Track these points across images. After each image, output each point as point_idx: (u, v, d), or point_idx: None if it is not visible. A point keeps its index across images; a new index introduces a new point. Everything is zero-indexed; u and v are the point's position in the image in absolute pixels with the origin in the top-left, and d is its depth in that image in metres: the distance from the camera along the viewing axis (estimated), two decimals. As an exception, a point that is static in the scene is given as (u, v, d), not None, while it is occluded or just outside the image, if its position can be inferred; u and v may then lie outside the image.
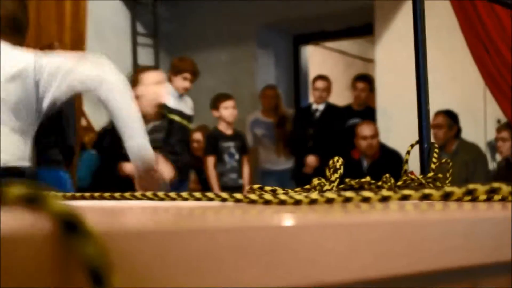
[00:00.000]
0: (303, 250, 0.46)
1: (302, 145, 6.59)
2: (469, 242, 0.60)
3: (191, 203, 0.95)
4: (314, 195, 0.82)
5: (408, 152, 1.66)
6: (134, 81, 4.44)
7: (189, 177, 5.99)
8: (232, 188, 5.73)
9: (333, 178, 1.06)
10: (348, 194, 0.76)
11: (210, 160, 5.86)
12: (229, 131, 5.98)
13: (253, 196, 0.91)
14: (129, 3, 7.81)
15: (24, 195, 0.34)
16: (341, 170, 1.07)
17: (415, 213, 0.72)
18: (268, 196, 0.89)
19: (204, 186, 6.09)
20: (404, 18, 6.31)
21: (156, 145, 4.65)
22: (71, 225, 0.33)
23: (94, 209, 0.69)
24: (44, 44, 4.51)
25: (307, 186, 1.12)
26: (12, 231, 0.32)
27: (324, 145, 6.36)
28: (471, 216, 0.68)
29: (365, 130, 5.89)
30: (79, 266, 0.33)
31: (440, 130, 5.42)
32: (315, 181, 1.09)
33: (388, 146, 6.05)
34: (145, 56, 7.80)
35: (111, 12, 7.48)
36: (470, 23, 4.94)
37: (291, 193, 1.03)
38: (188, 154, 5.73)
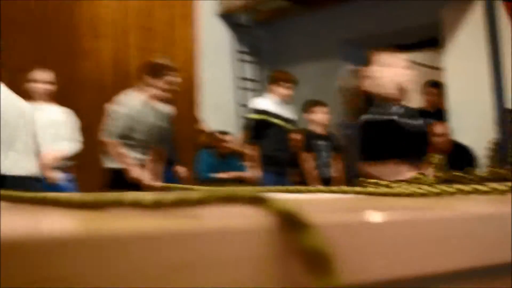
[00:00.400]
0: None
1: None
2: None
3: (330, 195, 0.90)
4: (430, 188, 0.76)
5: (490, 147, 1.80)
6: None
7: (287, 171, 6.05)
8: (323, 180, 5.87)
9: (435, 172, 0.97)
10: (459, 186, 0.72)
11: (307, 156, 6.01)
12: (321, 132, 6.09)
13: (370, 189, 0.89)
14: (233, 27, 8.01)
15: (250, 195, 0.33)
16: (442, 166, 1.03)
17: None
18: (383, 189, 0.87)
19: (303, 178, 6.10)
20: (467, 31, 6.39)
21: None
22: (292, 220, 0.31)
23: (305, 203, 0.59)
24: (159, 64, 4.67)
25: (410, 178, 1.06)
26: (244, 226, 0.32)
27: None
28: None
29: (438, 128, 5.92)
30: (301, 257, 0.32)
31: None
32: (416, 175, 1.04)
33: (459, 142, 5.98)
34: (248, 71, 7.95)
35: (217, 34, 7.73)
36: None
37: (399, 185, 0.97)
38: (289, 152, 5.94)
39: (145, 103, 4.54)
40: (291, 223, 0.32)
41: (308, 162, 6.05)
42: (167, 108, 4.87)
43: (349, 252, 0.36)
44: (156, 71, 4.59)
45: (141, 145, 4.57)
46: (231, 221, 0.33)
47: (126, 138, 4.48)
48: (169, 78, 4.59)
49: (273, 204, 0.33)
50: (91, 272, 0.28)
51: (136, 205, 0.39)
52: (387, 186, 0.98)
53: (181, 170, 5.81)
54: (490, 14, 1.98)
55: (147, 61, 4.78)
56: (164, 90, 4.59)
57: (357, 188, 0.89)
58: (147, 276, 0.30)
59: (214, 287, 0.31)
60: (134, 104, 4.50)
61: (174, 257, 0.30)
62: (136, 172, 4.42)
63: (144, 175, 4.45)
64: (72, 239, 0.29)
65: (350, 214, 0.46)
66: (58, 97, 4.76)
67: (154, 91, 4.56)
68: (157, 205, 0.38)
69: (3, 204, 0.55)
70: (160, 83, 4.55)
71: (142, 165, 4.56)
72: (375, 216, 0.40)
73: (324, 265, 0.31)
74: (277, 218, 0.33)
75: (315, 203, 0.65)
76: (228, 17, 8.13)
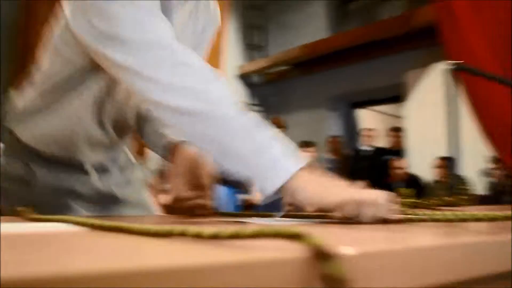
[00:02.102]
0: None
1: (357, 174, 6.50)
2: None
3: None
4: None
5: (439, 181, 1.76)
6: None
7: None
8: None
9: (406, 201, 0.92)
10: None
11: None
12: None
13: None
14: (248, 85, 8.28)
15: (290, 233, 0.32)
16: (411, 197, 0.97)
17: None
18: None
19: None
20: (423, 89, 6.45)
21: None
22: (323, 253, 0.30)
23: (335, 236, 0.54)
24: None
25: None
26: (283, 259, 0.30)
27: (370, 174, 6.14)
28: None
29: (398, 163, 6.01)
30: (329, 283, 0.30)
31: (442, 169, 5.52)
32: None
33: (411, 173, 6.02)
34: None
35: (236, 91, 7.70)
36: (476, 99, 4.65)
37: None
38: None
39: None
40: (321, 255, 0.31)
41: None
42: None
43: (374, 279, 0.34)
44: None
45: None
46: (277, 253, 0.31)
47: None
48: None
49: (309, 240, 0.31)
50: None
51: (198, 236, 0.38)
52: None
53: None
54: (447, 79, 2.01)
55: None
56: None
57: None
58: None
59: None
60: None
61: (227, 284, 0.28)
62: None
63: None
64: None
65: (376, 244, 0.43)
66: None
67: None
68: (214, 237, 0.37)
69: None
70: None
71: None
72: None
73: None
74: (312, 251, 0.31)
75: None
76: (244, 78, 8.37)
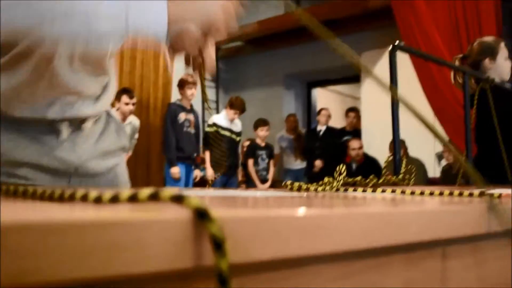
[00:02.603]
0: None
1: (311, 153, 6.64)
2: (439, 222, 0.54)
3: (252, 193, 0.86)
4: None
5: (385, 162, 1.76)
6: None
7: (237, 173, 6.17)
8: (262, 180, 6.12)
9: (339, 178, 0.99)
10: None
11: (250, 162, 6.16)
12: (262, 144, 6.21)
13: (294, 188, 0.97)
14: None
15: (173, 195, 0.34)
16: (344, 174, 1.01)
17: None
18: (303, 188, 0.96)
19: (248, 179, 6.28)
20: (380, 69, 6.31)
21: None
22: (202, 214, 0.33)
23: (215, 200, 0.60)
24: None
25: (321, 182, 1.03)
26: (167, 219, 0.32)
27: (327, 153, 6.45)
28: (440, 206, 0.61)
29: (354, 143, 6.06)
30: (207, 240, 0.33)
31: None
32: (326, 179, 1.02)
33: (369, 155, 6.14)
34: (210, 94, 7.85)
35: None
36: (426, 76, 4.89)
37: (313, 186, 1.00)
38: (236, 158, 6.00)
39: None
40: (201, 216, 0.33)
41: (251, 166, 6.16)
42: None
43: (240, 238, 0.36)
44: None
45: None
46: (159, 213, 0.33)
47: None
48: None
49: (189, 202, 0.34)
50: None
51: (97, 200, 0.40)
52: (306, 188, 0.99)
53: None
54: (392, 61, 2.03)
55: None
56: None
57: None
58: (91, 255, 0.29)
59: (146, 265, 0.32)
60: None
61: (111, 241, 0.30)
62: None
63: None
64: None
65: (245, 209, 0.46)
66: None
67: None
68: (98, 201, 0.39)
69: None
70: None
71: None
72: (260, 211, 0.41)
73: (221, 248, 0.33)
74: (192, 213, 0.34)
75: (229, 202, 0.63)
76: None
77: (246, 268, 0.38)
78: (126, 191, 0.38)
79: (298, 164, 6.98)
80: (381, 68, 6.49)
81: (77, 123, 1.02)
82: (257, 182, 6.04)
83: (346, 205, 0.61)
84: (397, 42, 2.15)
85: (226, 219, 0.35)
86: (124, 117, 5.01)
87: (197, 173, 5.64)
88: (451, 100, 4.72)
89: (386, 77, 6.27)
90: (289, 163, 7.08)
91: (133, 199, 0.37)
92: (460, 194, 0.76)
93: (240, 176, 6.40)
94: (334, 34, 0.54)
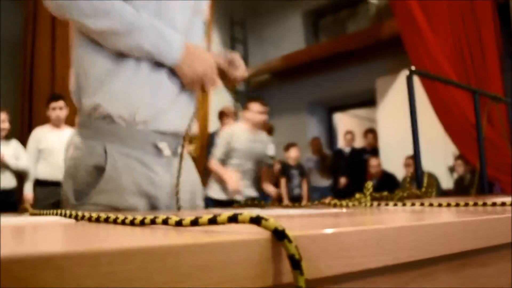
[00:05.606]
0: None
1: (336, 171, 6.64)
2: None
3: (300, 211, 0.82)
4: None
5: (408, 177, 1.77)
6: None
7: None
8: (293, 198, 5.89)
9: (367, 194, 0.98)
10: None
11: (283, 181, 6.02)
12: (294, 163, 6.10)
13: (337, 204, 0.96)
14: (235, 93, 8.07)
15: (252, 217, 0.33)
16: (371, 189, 0.99)
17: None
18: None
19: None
20: (393, 93, 6.47)
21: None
22: (281, 234, 0.32)
23: (287, 219, 0.58)
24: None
25: (353, 198, 1.00)
26: (248, 240, 0.31)
27: (350, 171, 6.42)
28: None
29: (373, 161, 6.02)
30: (285, 259, 0.32)
31: (411, 166, 5.37)
32: (357, 195, 0.99)
33: (387, 171, 6.05)
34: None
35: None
36: (436, 97, 4.72)
37: (345, 202, 0.99)
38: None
39: None
40: (279, 236, 0.32)
41: (283, 185, 6.04)
42: None
43: (311, 255, 0.36)
44: None
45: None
46: (239, 235, 0.33)
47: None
48: None
49: (267, 223, 0.33)
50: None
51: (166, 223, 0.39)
52: (341, 204, 0.96)
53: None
54: (410, 85, 2.00)
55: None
56: None
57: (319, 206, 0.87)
58: (188, 277, 0.29)
59: (232, 285, 0.31)
60: None
61: (201, 262, 0.30)
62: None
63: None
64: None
65: (314, 228, 0.42)
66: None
67: None
68: (179, 224, 0.38)
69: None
70: None
71: None
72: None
73: (299, 266, 0.32)
74: (270, 233, 0.33)
75: (293, 220, 0.61)
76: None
77: (317, 283, 0.37)
78: (205, 215, 0.37)
79: (324, 182, 6.91)
80: (394, 92, 6.48)
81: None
82: (286, 200, 5.93)
83: (400, 219, 0.59)
84: (412, 67, 2.12)
85: (298, 237, 0.34)
86: None
87: None
88: (460, 117, 4.64)
89: (400, 99, 6.19)
90: (316, 181, 6.98)
91: (213, 222, 0.36)
92: (493, 204, 0.74)
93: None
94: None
